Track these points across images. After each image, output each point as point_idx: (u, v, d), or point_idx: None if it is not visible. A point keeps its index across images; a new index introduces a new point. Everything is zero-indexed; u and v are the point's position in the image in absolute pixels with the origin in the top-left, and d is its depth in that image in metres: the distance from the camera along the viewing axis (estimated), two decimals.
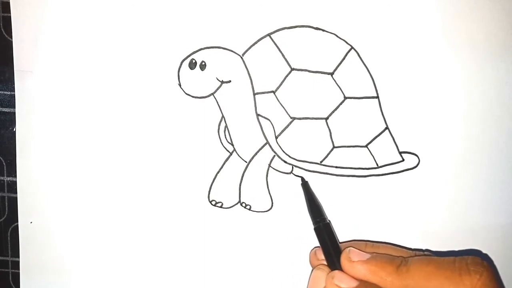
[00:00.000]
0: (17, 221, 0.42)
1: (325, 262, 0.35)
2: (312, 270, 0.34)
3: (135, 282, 0.42)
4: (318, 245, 0.36)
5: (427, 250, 0.35)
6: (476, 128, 0.38)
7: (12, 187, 0.42)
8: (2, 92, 0.41)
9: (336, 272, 0.32)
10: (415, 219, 0.39)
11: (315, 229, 0.36)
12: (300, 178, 0.38)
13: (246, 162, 0.39)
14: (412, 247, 0.36)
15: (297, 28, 0.37)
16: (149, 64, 0.39)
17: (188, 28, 0.38)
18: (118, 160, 0.40)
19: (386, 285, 0.30)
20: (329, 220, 0.36)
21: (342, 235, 0.39)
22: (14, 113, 0.41)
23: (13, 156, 0.41)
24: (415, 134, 0.38)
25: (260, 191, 0.40)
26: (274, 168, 0.39)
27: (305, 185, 0.38)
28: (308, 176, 0.39)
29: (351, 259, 0.32)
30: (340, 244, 0.35)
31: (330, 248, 0.35)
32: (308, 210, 0.37)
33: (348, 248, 0.33)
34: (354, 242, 0.36)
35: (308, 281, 0.34)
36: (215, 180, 0.40)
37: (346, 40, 0.37)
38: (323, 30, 0.37)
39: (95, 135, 0.40)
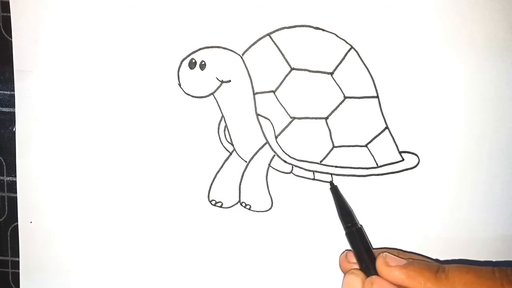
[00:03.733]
0: (17, 221, 0.42)
1: (356, 266, 0.34)
2: (345, 275, 0.33)
3: (135, 282, 0.42)
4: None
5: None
6: (476, 128, 0.38)
7: (12, 187, 0.42)
8: (1, 92, 0.41)
9: (375, 277, 0.32)
10: (415, 219, 0.39)
11: (346, 234, 0.35)
12: (329, 183, 0.38)
13: (246, 162, 0.39)
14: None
15: (297, 27, 0.37)
16: (149, 64, 0.39)
17: (188, 28, 0.38)
18: (118, 160, 0.40)
19: None
20: (361, 225, 0.36)
21: (342, 235, 0.39)
22: (14, 113, 0.41)
23: (13, 156, 0.41)
24: (415, 134, 0.38)
25: (260, 191, 0.40)
26: (274, 168, 0.39)
27: (334, 189, 0.37)
28: (307, 176, 0.39)
29: (389, 263, 0.31)
30: (373, 250, 0.34)
31: (364, 253, 0.34)
32: (339, 215, 0.36)
33: (384, 253, 0.32)
34: (386, 249, 0.36)
35: (342, 285, 0.33)
36: (215, 180, 0.40)
37: (346, 40, 0.37)
38: (323, 30, 0.37)
39: (95, 135, 0.40)
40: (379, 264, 0.32)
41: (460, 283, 0.29)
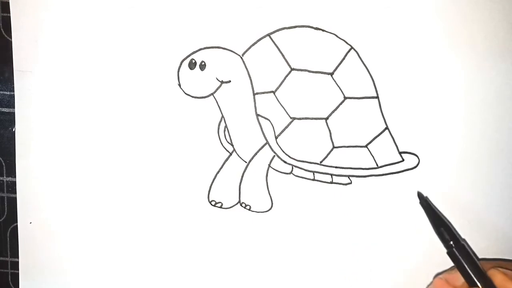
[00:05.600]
0: (17, 222, 0.42)
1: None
2: None
3: (134, 282, 0.42)
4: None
5: None
6: (476, 128, 0.38)
7: (12, 187, 0.42)
8: (1, 92, 0.41)
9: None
10: (415, 219, 0.39)
11: (448, 253, 0.32)
12: (417, 196, 0.36)
13: (246, 162, 0.39)
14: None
15: (297, 28, 0.37)
16: (149, 64, 0.39)
17: (188, 28, 0.38)
18: (118, 160, 0.40)
19: None
20: (463, 239, 0.34)
21: (342, 235, 0.39)
22: (14, 113, 0.41)
23: (13, 156, 0.41)
24: (415, 134, 0.38)
25: (260, 191, 0.40)
26: (274, 168, 0.39)
27: (426, 202, 0.34)
28: (307, 177, 0.39)
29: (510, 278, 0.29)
30: (478, 262, 0.32)
31: (472, 272, 0.31)
32: (436, 233, 0.33)
33: (501, 268, 0.30)
34: (491, 261, 0.34)
35: None
36: (215, 180, 0.40)
37: (346, 40, 0.37)
38: (323, 30, 0.37)
39: (94, 135, 0.40)
40: (499, 279, 0.29)
41: None
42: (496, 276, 0.30)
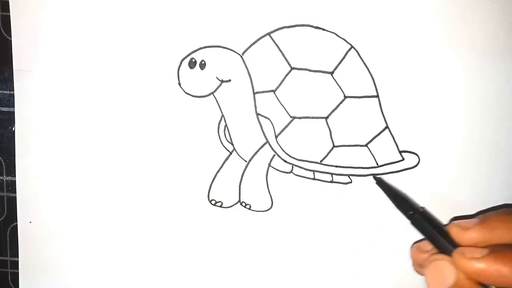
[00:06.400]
0: (16, 221, 0.42)
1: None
2: (429, 265, 0.31)
3: (134, 282, 0.42)
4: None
5: None
6: (476, 128, 0.38)
7: (11, 186, 0.42)
8: (1, 92, 0.41)
9: (461, 248, 0.29)
10: None
11: (412, 223, 0.33)
12: (372, 177, 0.37)
13: (246, 161, 0.39)
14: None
15: (297, 27, 0.37)
16: (149, 64, 0.39)
17: (187, 27, 0.38)
18: (118, 160, 0.40)
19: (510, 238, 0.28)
20: (423, 207, 0.35)
21: (342, 234, 0.39)
22: (14, 112, 0.41)
23: (12, 156, 0.41)
24: (415, 134, 0.38)
25: (260, 190, 0.40)
26: (274, 168, 0.39)
27: (380, 181, 0.36)
28: (308, 176, 0.39)
29: (467, 227, 0.30)
30: (442, 226, 0.33)
31: (438, 235, 0.32)
32: (396, 206, 0.34)
33: (454, 222, 0.30)
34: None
35: (428, 277, 0.31)
36: (215, 180, 0.40)
37: (346, 39, 0.37)
38: (323, 29, 0.37)
39: (94, 134, 0.40)
40: (456, 232, 0.30)
41: None
42: (452, 229, 0.30)
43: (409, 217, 0.34)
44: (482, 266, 0.28)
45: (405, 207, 0.34)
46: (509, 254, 0.27)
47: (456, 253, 0.29)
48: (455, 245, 0.30)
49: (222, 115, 0.39)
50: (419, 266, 0.33)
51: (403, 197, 0.35)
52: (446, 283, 0.29)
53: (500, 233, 0.29)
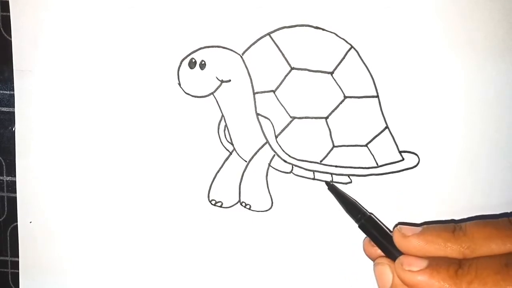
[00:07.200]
0: (17, 221, 0.42)
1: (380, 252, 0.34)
2: (374, 266, 0.33)
3: (134, 282, 0.42)
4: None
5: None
6: (476, 128, 0.38)
7: (12, 186, 0.42)
8: (1, 92, 0.41)
9: (402, 257, 0.30)
10: (415, 219, 0.39)
11: (359, 226, 0.35)
12: (324, 183, 0.38)
13: (246, 161, 0.39)
14: None
15: (297, 27, 0.37)
16: (149, 64, 0.39)
17: (187, 27, 0.38)
18: (118, 160, 0.40)
19: (447, 252, 0.29)
20: (370, 212, 0.35)
21: (342, 235, 0.39)
22: (14, 112, 0.41)
23: (13, 156, 0.41)
24: (415, 134, 0.38)
25: (260, 190, 0.40)
26: (274, 168, 0.39)
27: (332, 187, 0.37)
28: (308, 176, 0.39)
29: (405, 234, 0.31)
30: (389, 232, 0.34)
31: (382, 239, 0.33)
32: (345, 211, 0.36)
33: (398, 226, 0.32)
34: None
35: (375, 275, 0.33)
36: (215, 180, 0.40)
37: (346, 39, 0.37)
38: (323, 29, 0.37)
39: (94, 134, 0.40)
40: (396, 239, 0.31)
41: (479, 237, 0.29)
42: (394, 233, 0.32)
43: (357, 221, 0.35)
44: (416, 279, 0.29)
45: (354, 212, 0.35)
46: (442, 271, 0.28)
47: (397, 261, 0.30)
48: (398, 250, 0.31)
49: (222, 115, 0.39)
50: (368, 256, 0.35)
51: (352, 203, 0.36)
52: (386, 286, 0.31)
53: (434, 248, 0.30)
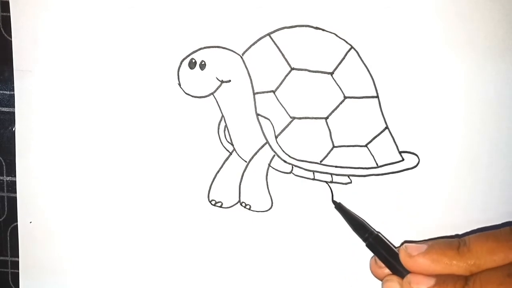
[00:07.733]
0: (17, 221, 0.42)
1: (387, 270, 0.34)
2: (382, 284, 0.33)
3: (134, 282, 0.42)
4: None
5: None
6: (476, 128, 0.38)
7: (12, 187, 0.42)
8: (1, 92, 0.41)
9: (410, 275, 0.31)
10: (415, 219, 0.39)
11: (367, 245, 0.35)
12: (332, 202, 0.38)
13: (246, 161, 0.39)
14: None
15: (297, 27, 0.37)
16: (149, 64, 0.39)
17: (187, 27, 0.38)
18: (118, 160, 0.40)
19: (453, 270, 0.29)
20: (378, 231, 0.35)
21: (342, 235, 0.39)
22: (14, 112, 0.41)
23: (13, 156, 0.41)
24: (415, 134, 0.38)
25: (260, 190, 0.40)
26: (274, 168, 0.39)
27: (339, 206, 0.37)
28: (307, 176, 0.39)
29: (411, 254, 0.31)
30: (396, 250, 0.34)
31: (390, 258, 0.33)
32: (353, 230, 0.36)
33: (404, 245, 0.32)
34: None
35: None
36: (215, 180, 0.40)
37: (346, 40, 0.37)
38: (323, 30, 0.37)
39: (95, 135, 0.40)
40: (403, 258, 0.31)
41: (483, 252, 0.29)
42: (400, 253, 0.32)
43: (364, 240, 0.35)
44: None
45: (361, 231, 0.35)
46: None
47: (405, 280, 0.31)
48: (406, 270, 0.32)
49: (222, 116, 0.39)
50: (375, 276, 0.35)
51: (360, 222, 0.36)
52: None
53: (440, 267, 0.30)
